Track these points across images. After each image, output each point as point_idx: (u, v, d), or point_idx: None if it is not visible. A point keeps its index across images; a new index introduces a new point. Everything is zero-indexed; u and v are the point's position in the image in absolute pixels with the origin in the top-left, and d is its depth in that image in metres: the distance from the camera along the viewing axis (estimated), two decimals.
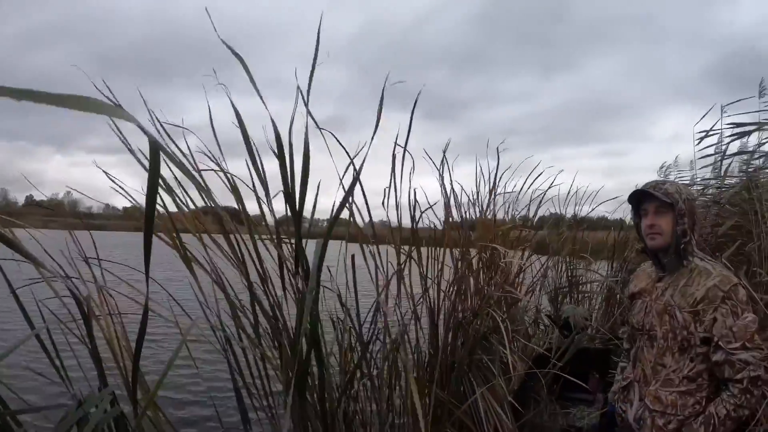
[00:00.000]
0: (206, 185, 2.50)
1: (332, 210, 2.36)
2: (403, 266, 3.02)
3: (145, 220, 1.16)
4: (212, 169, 2.61)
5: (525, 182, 4.58)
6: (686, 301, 2.08)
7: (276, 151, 2.28)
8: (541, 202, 5.00)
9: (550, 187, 4.78)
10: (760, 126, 4.37)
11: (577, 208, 5.99)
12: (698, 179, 5.13)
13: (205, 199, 2.55)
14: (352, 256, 2.72)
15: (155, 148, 0.93)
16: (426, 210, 3.14)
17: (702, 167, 4.96)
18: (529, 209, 4.93)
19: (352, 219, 2.92)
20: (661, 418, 2.11)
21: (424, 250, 3.31)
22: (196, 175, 2.46)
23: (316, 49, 2.17)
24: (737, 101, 4.34)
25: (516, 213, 4.90)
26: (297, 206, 2.30)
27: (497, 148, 4.08)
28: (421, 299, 3.23)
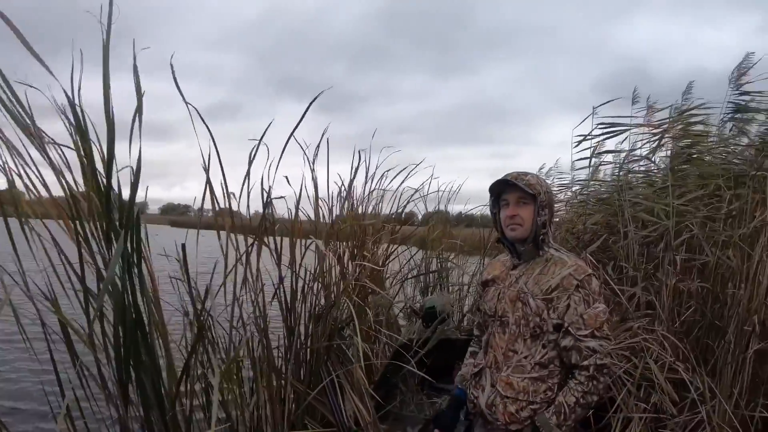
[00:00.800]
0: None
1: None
2: (249, 251, 2.92)
3: None
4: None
5: (399, 178, 4.62)
6: (540, 288, 2.12)
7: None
8: (423, 197, 5.06)
9: (444, 186, 4.83)
10: (630, 128, 4.55)
11: (460, 206, 6.13)
12: (576, 180, 5.33)
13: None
14: (183, 246, 2.56)
15: None
16: (275, 199, 3.08)
17: (580, 168, 5.13)
18: (398, 204, 4.92)
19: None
20: (513, 404, 2.12)
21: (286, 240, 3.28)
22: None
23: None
24: (608, 101, 4.50)
25: (396, 208, 4.88)
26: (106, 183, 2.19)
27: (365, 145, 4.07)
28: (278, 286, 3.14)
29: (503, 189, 2.24)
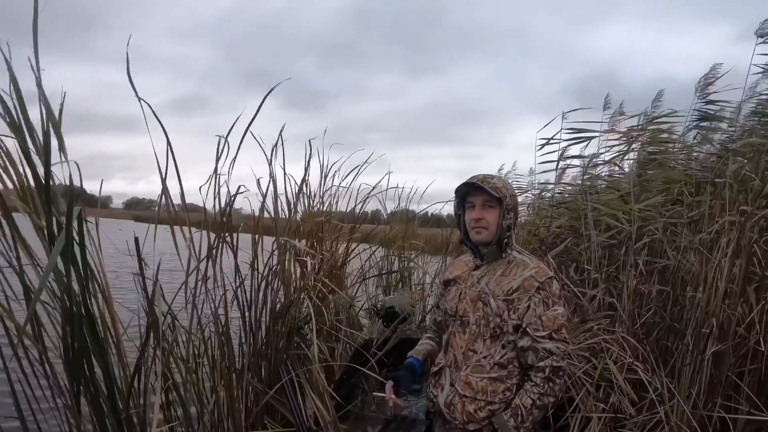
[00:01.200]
0: None
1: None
2: (215, 251, 2.87)
3: None
4: None
5: (359, 175, 4.61)
6: (501, 289, 2.10)
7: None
8: (381, 194, 5.05)
9: (409, 185, 4.78)
10: (599, 134, 4.60)
11: (425, 205, 6.12)
12: (537, 183, 5.39)
13: None
14: (136, 239, 2.51)
15: None
16: (237, 195, 3.02)
17: (542, 172, 5.18)
18: (355, 202, 4.88)
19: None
20: (471, 403, 2.10)
21: (246, 236, 3.22)
22: None
23: None
24: (578, 109, 4.55)
25: (354, 206, 4.84)
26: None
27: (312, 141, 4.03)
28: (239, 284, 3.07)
29: (469, 191, 2.21)
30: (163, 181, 2.63)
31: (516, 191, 2.31)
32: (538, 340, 2.01)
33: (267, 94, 2.82)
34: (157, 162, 2.58)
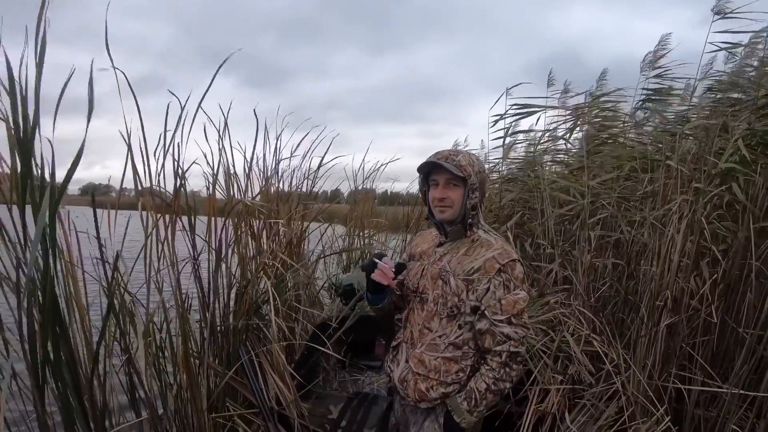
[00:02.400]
0: None
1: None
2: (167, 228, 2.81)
3: None
4: None
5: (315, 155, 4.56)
6: (462, 268, 2.06)
7: None
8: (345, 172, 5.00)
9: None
10: (544, 109, 4.65)
11: (385, 183, 6.12)
12: (491, 158, 5.45)
13: None
14: (95, 217, 2.48)
15: None
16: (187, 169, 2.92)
17: (495, 148, 5.23)
18: (305, 178, 4.80)
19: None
20: (423, 381, 2.09)
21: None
22: None
23: None
24: (520, 84, 4.59)
25: (307, 184, 4.76)
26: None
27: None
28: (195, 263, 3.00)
29: (434, 169, 2.13)
30: (134, 166, 2.58)
31: (485, 167, 2.26)
32: (496, 323, 1.97)
33: (218, 69, 2.73)
34: (128, 146, 2.54)
